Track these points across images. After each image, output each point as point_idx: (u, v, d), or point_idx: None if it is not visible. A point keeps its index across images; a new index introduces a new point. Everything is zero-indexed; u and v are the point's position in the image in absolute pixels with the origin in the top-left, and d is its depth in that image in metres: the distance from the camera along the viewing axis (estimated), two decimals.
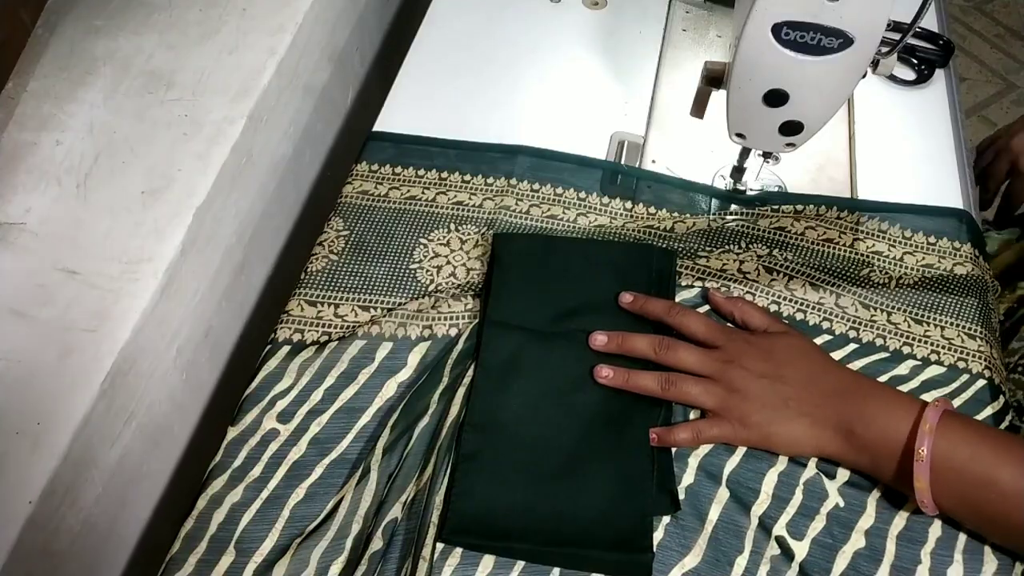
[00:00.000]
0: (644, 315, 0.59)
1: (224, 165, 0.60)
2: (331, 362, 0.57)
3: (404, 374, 0.57)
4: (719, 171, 0.71)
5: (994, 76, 1.89)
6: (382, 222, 0.66)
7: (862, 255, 0.65)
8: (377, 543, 0.49)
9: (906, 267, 0.64)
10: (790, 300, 0.61)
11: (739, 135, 0.63)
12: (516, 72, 0.79)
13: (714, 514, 0.51)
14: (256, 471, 0.53)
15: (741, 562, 0.50)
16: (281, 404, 0.56)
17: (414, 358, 0.58)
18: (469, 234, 0.66)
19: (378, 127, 0.73)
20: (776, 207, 0.68)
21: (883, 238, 0.66)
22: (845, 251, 0.65)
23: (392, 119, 0.74)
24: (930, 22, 0.84)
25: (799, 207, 0.68)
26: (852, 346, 0.59)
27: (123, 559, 0.58)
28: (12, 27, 0.59)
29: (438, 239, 0.65)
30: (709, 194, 0.69)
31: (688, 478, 0.53)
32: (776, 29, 0.52)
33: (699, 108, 0.64)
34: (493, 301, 0.59)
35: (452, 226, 0.66)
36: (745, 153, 0.68)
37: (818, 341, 0.59)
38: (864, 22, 0.51)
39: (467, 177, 0.69)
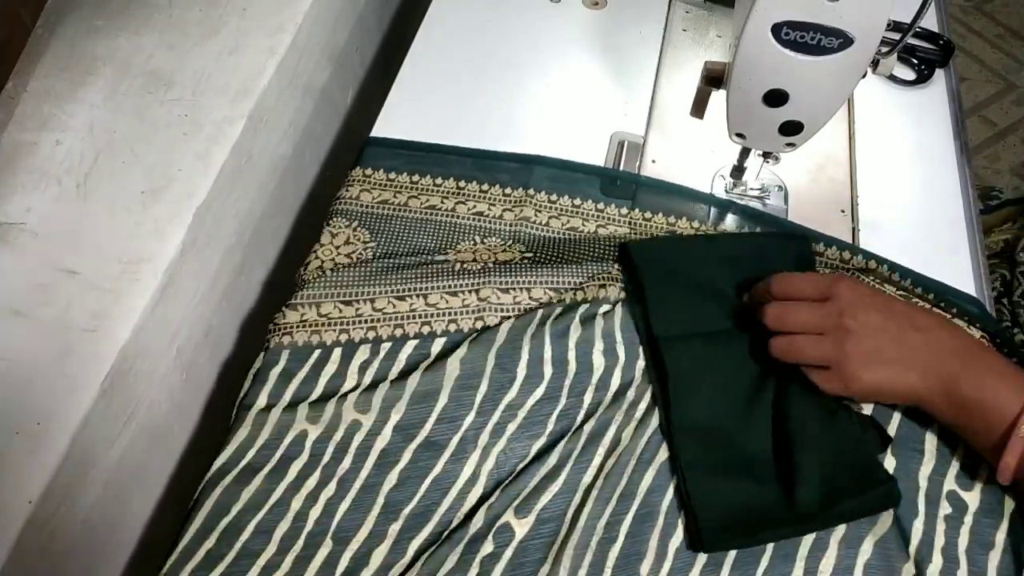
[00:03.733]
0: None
1: (224, 165, 0.60)
2: (390, 362, 0.58)
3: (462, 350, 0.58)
4: (719, 171, 0.71)
5: (994, 76, 1.89)
6: (404, 231, 0.66)
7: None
8: (488, 546, 0.50)
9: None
10: None
11: (739, 135, 0.62)
12: (516, 72, 0.79)
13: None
14: (346, 462, 0.54)
15: (919, 526, 0.51)
16: (353, 397, 0.56)
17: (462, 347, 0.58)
18: (494, 246, 0.66)
19: (378, 128, 0.73)
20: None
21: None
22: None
23: (391, 121, 0.74)
24: (930, 22, 0.84)
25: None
26: None
27: (123, 559, 0.58)
28: (12, 27, 0.59)
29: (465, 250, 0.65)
30: (709, 202, 0.69)
31: None
32: (776, 29, 0.52)
33: (699, 108, 0.64)
34: (654, 316, 0.59)
35: (477, 239, 0.66)
36: (745, 153, 0.68)
37: None
38: (864, 22, 0.51)
39: (484, 187, 0.69)
